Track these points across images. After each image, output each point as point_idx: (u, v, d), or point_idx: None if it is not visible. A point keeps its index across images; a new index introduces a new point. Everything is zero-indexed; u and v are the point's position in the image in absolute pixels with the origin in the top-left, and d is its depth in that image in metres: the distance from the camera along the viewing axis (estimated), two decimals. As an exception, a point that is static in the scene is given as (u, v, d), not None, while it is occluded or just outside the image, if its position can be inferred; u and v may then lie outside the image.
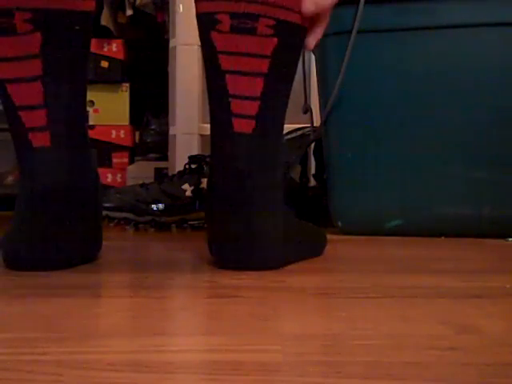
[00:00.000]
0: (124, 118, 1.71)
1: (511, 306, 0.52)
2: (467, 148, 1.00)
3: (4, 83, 0.63)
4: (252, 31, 0.63)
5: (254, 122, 0.65)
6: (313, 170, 1.30)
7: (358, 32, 0.99)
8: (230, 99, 0.64)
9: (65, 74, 0.65)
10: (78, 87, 0.67)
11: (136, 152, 1.77)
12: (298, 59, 0.69)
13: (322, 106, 1.08)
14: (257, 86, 0.64)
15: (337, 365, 0.35)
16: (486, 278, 0.65)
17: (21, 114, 0.63)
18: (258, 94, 0.64)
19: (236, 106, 0.64)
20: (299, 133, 1.26)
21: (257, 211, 0.65)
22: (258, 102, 0.64)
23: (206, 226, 0.71)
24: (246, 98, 0.64)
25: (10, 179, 1.60)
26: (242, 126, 0.65)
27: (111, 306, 0.51)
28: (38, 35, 0.61)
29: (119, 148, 1.70)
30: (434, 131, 1.01)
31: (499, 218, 0.99)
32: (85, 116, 0.70)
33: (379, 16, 1.00)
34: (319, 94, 1.10)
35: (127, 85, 1.71)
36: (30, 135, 0.64)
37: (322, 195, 1.15)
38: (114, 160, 1.71)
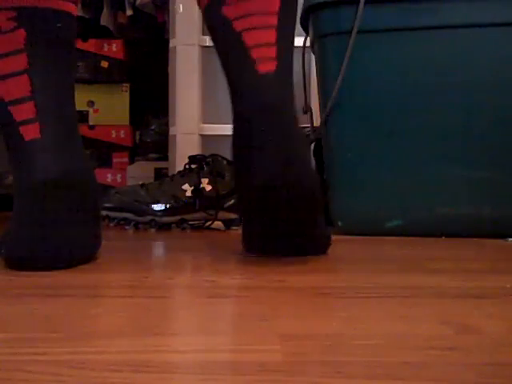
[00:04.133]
0: (124, 118, 1.71)
1: (511, 306, 0.52)
2: (467, 148, 1.00)
3: None
4: None
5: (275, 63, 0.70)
6: (313, 170, 1.30)
7: (358, 32, 0.99)
8: (250, 49, 0.70)
9: (50, 66, 0.66)
10: (64, 81, 0.68)
11: (136, 152, 1.77)
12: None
13: (322, 106, 1.08)
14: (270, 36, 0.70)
15: (337, 365, 0.35)
16: (486, 277, 0.65)
17: (11, 109, 0.64)
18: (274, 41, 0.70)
19: (257, 52, 0.70)
20: (299, 133, 1.26)
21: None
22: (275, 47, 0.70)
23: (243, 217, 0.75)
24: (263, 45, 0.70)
25: (10, 179, 1.60)
26: (267, 67, 0.69)
27: (111, 306, 0.51)
28: (22, 31, 0.63)
29: (119, 148, 1.70)
30: (434, 131, 1.01)
31: (499, 217, 0.99)
32: (74, 110, 0.71)
33: (379, 16, 1.00)
34: (319, 94, 1.10)
35: (127, 85, 1.72)
36: (21, 129, 0.65)
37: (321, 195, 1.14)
38: (114, 160, 1.71)
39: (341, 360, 0.36)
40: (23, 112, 0.64)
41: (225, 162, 1.13)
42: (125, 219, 1.11)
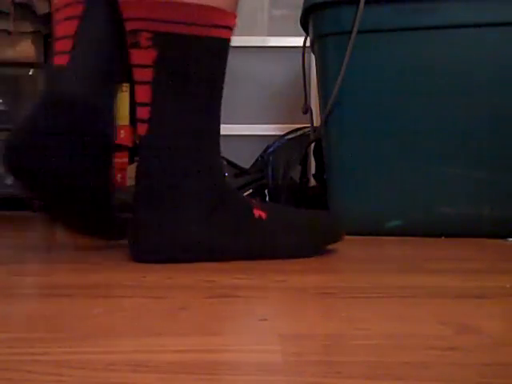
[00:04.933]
0: (124, 118, 1.70)
1: (511, 306, 0.52)
2: (467, 148, 1.00)
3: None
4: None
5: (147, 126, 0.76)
6: (313, 170, 1.30)
7: (358, 32, 0.99)
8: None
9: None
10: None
11: (136, 152, 1.77)
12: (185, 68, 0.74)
13: (322, 105, 1.08)
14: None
15: (337, 365, 0.35)
16: (486, 277, 0.65)
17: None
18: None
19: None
20: (299, 133, 1.26)
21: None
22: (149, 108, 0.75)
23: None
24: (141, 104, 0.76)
25: (10, 179, 1.60)
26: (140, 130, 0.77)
27: (111, 306, 0.51)
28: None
29: (119, 148, 1.70)
30: (434, 131, 1.01)
31: (499, 218, 0.99)
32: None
33: (379, 16, 1.00)
34: (319, 94, 1.10)
35: (127, 85, 1.71)
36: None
37: (321, 195, 1.15)
38: (114, 160, 1.70)
39: (341, 360, 0.36)
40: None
41: (224, 162, 1.13)
42: (125, 219, 1.11)
